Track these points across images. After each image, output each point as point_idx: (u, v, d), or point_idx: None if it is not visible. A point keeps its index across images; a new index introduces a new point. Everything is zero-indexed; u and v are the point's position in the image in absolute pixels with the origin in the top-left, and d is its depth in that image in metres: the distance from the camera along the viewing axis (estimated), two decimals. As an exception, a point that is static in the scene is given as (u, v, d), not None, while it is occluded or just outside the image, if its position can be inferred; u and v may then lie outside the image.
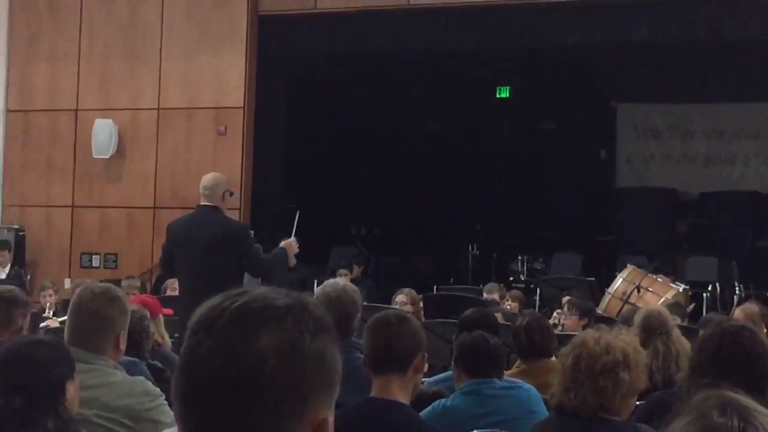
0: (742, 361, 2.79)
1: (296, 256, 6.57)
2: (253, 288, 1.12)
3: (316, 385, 1.06)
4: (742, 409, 1.12)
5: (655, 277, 8.92)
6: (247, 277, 5.66)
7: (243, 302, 1.07)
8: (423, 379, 3.85)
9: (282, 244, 6.30)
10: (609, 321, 6.62)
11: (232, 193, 6.13)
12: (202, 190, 5.84)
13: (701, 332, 3.39)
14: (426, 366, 3.62)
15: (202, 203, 5.85)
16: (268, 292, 1.10)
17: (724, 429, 1.11)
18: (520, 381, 3.93)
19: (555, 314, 7.77)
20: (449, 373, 4.22)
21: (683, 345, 4.15)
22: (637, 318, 4.87)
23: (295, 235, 6.40)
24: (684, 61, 11.02)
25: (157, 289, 8.59)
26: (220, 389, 1.03)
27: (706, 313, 8.41)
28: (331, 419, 1.08)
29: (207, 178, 6.03)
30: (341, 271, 9.60)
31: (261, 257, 5.96)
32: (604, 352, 2.81)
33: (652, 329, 4.40)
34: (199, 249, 5.77)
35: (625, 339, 3.16)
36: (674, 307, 6.64)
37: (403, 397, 3.04)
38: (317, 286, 6.68)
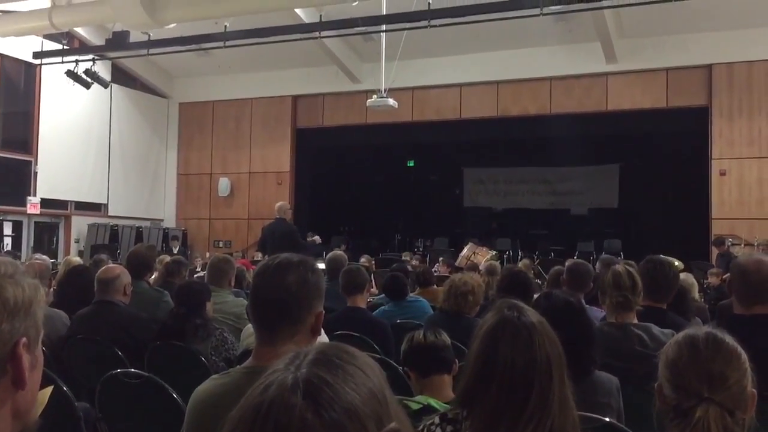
0: (520, 286, 4.00)
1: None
2: (284, 253, 1.72)
3: (314, 296, 1.66)
4: (518, 306, 1.61)
5: (482, 247, 12.39)
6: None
7: (279, 260, 1.67)
8: (371, 297, 5.67)
9: (314, 237, 9.71)
10: (460, 269, 8.86)
11: (286, 211, 8.60)
12: (276, 210, 8.48)
13: (501, 273, 5.00)
14: (375, 289, 6.48)
15: (276, 216, 8.50)
16: (289, 255, 1.70)
17: (509, 316, 1.58)
18: (419, 297, 5.36)
19: (436, 266, 10.79)
20: (383, 295, 5.63)
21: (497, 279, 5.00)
22: (482, 266, 7.27)
23: (318, 235, 10.30)
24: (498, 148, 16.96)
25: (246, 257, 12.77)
26: (271, 301, 1.63)
27: (505, 264, 10.97)
28: (322, 311, 1.68)
29: (278, 204, 8.68)
30: (337, 247, 12.08)
31: (302, 243, 8.16)
32: (463, 284, 4.06)
33: (489, 272, 6.23)
34: (276, 237, 7.99)
35: (474, 278, 4.40)
36: (493, 262, 8.12)
37: (363, 305, 4.47)
38: (326, 254, 7.61)
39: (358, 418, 0.77)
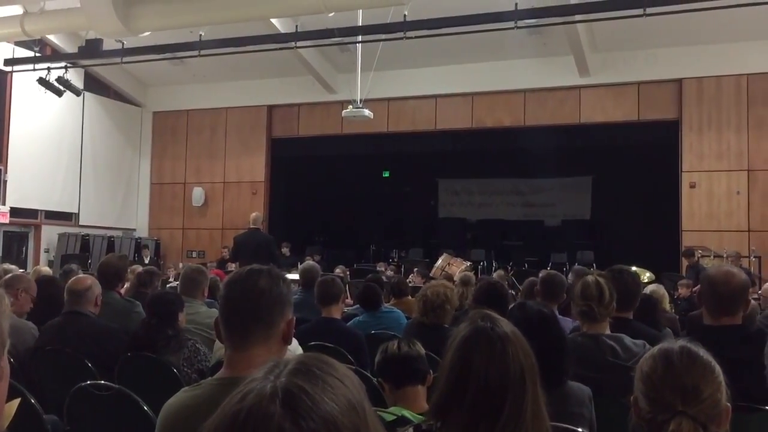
0: (497, 298, 4.03)
1: (290, 249, 12.21)
2: (253, 264, 1.80)
3: (286, 302, 1.71)
4: (491, 317, 1.61)
5: (456, 258, 12.51)
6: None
7: (249, 269, 1.75)
8: (346, 308, 5.63)
9: (283, 250, 10.56)
10: (433, 279, 8.82)
11: (262, 221, 9.65)
12: (251, 221, 8.80)
13: (478, 284, 4.90)
14: (349, 299, 6.69)
15: (250, 226, 8.75)
16: (258, 265, 1.77)
17: (482, 327, 1.59)
18: (393, 307, 5.50)
19: (411, 276, 10.72)
20: (357, 306, 5.73)
21: (472, 290, 5.24)
22: (457, 277, 7.24)
23: (290, 246, 11.34)
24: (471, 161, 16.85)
25: (221, 267, 11.18)
26: (244, 306, 1.69)
27: (480, 275, 11.47)
28: (293, 318, 1.74)
29: (253, 215, 8.92)
30: (310, 257, 13.12)
31: (277, 254, 8.63)
32: (436, 297, 4.12)
33: (463, 283, 6.23)
34: (251, 248, 8.26)
35: (444, 285, 4.40)
36: (467, 273, 7.89)
37: (337, 316, 4.55)
38: (300, 264, 9.08)
39: (336, 429, 0.78)
